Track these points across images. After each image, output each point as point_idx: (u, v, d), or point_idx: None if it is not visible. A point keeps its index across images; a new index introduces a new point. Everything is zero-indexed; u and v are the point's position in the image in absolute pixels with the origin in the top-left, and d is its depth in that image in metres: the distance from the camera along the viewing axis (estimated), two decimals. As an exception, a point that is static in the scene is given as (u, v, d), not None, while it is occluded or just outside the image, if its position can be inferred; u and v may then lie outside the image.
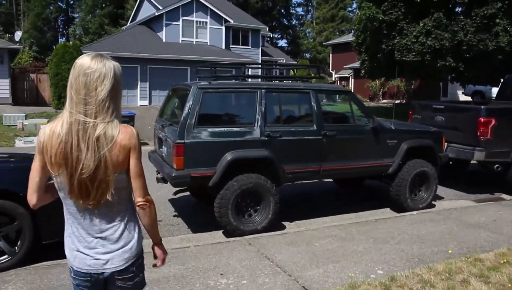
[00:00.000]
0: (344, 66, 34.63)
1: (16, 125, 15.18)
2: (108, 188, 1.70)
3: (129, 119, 12.25)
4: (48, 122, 16.65)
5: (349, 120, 6.12)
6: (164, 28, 25.56)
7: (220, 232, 5.36)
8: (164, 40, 25.42)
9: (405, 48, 16.60)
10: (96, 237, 1.78)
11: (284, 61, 32.66)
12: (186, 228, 5.79)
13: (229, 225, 5.17)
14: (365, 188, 7.99)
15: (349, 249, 4.73)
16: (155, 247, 1.99)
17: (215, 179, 5.08)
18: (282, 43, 57.00)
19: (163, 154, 5.60)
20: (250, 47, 30.03)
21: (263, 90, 5.39)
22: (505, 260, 4.30)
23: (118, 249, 1.79)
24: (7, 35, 39.55)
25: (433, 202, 6.65)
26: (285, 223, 5.88)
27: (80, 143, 1.67)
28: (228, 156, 5.10)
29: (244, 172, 5.21)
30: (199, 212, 6.49)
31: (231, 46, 28.79)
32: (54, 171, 1.72)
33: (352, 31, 20.72)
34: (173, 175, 5.00)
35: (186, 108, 5.03)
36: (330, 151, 5.72)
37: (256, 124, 5.30)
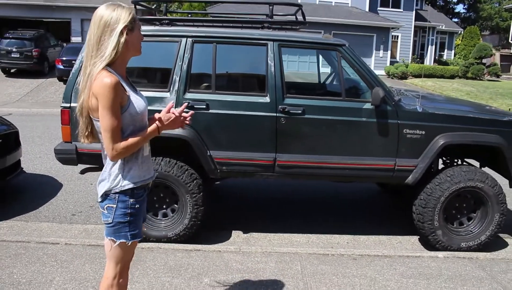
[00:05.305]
0: (528, 35, 27.62)
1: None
2: (87, 127, 1.93)
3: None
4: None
5: (333, 91, 3.88)
6: (299, -13, 23.99)
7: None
8: (298, 1, 23.74)
9: None
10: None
11: (443, 27, 27.66)
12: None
13: (127, 224, 3.76)
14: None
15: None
16: (159, 124, 2.01)
17: (108, 160, 3.69)
18: (460, 8, 48.99)
19: None
20: (401, 10, 26.17)
21: (190, 40, 3.66)
22: None
23: (100, 181, 1.96)
24: None
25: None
26: (235, 234, 4.18)
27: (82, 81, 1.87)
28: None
29: (155, 155, 3.69)
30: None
31: (378, 8, 25.57)
32: None
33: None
34: (56, 148, 3.81)
35: (77, 61, 3.70)
36: (293, 137, 3.69)
37: (171, 88, 3.64)
